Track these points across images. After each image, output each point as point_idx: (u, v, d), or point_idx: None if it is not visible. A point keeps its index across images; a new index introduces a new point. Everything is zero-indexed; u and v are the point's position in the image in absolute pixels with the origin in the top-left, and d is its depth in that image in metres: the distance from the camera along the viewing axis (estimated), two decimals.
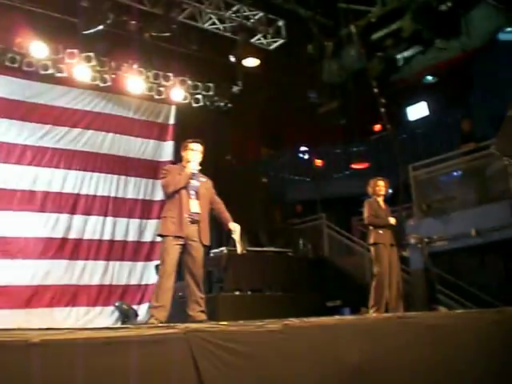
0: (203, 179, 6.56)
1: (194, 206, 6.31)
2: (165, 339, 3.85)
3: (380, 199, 8.00)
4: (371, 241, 7.86)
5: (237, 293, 9.59)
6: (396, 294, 7.69)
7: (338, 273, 11.59)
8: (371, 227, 7.90)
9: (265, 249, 10.89)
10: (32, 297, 10.18)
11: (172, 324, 4.09)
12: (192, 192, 6.34)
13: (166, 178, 6.38)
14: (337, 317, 6.35)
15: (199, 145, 6.54)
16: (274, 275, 10.35)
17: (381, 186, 7.99)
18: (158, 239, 11.31)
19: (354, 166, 14.97)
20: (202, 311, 6.33)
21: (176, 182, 6.29)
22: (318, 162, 15.43)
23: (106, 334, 3.57)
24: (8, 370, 3.09)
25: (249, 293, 9.78)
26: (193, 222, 6.25)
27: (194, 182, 6.37)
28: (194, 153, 6.45)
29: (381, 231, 7.80)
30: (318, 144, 15.57)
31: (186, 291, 6.46)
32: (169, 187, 6.32)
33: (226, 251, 9.82)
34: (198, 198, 6.37)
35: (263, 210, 12.84)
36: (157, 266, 6.45)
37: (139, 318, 10.74)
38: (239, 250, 6.78)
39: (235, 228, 6.56)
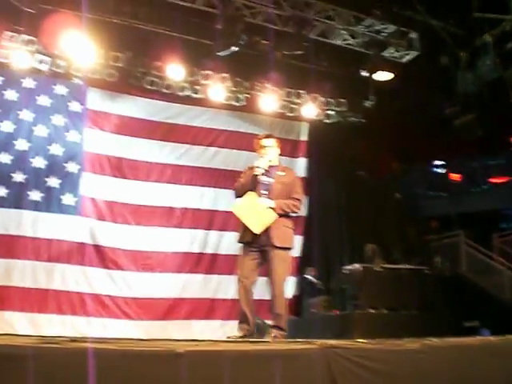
0: (281, 173, 5.95)
1: None
2: (303, 354, 3.87)
3: None
4: None
5: (371, 311, 9.41)
6: None
7: (477, 292, 11.07)
8: None
9: (400, 266, 10.63)
10: (170, 309, 10.60)
11: (310, 340, 4.10)
12: (263, 191, 5.79)
13: (236, 183, 5.96)
14: (478, 337, 6.10)
15: (270, 139, 6.04)
16: (410, 293, 10.05)
17: None
18: (294, 255, 11.50)
19: (493, 180, 14.33)
20: (276, 327, 5.85)
21: (241, 184, 5.86)
22: (455, 176, 14.89)
23: (247, 346, 3.65)
24: (156, 379, 3.24)
25: (384, 311, 9.57)
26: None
27: (265, 180, 5.82)
28: (265, 149, 5.95)
29: None
30: (453, 157, 15.05)
31: None
32: (236, 192, 5.91)
33: (360, 268, 9.69)
34: (271, 196, 5.78)
35: (397, 226, 12.58)
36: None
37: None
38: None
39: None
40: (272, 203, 5.68)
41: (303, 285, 11.08)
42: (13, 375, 3.18)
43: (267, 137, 6.10)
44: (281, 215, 5.73)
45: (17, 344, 3.25)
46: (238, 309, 5.80)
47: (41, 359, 3.20)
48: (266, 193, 5.80)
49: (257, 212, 5.68)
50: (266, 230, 5.66)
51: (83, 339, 3.26)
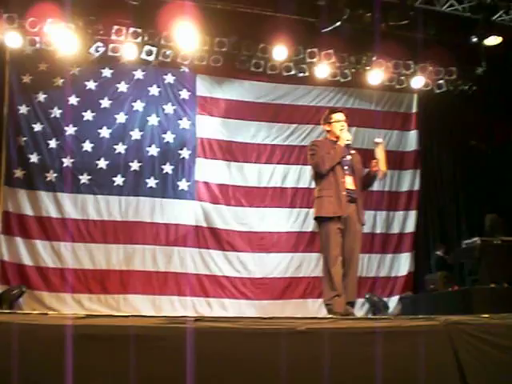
0: (353, 151, 6.17)
1: (350, 182, 5.95)
2: (426, 331, 3.82)
3: None
4: None
5: (492, 285, 9.08)
6: None
7: None
8: None
9: None
10: (286, 288, 10.72)
11: (432, 316, 4.04)
12: (346, 167, 5.96)
13: (319, 155, 5.98)
14: None
15: (343, 114, 6.20)
16: None
17: None
18: (407, 230, 11.30)
19: None
20: (351, 303, 5.90)
21: (331, 157, 5.90)
22: None
23: (369, 323, 3.64)
24: (278, 357, 3.29)
25: (505, 285, 9.22)
26: (351, 200, 5.88)
27: (346, 156, 6.02)
28: (341, 123, 6.11)
29: None
30: None
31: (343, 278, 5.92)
32: (325, 164, 5.91)
33: (479, 241, 9.37)
34: (352, 174, 5.99)
35: None
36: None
37: (389, 311, 10.73)
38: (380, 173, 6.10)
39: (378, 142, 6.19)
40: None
41: (435, 261, 10.88)
42: (140, 354, 3.32)
43: (340, 111, 6.32)
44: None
45: (144, 325, 3.39)
46: (333, 286, 5.78)
47: (167, 339, 3.33)
48: (347, 169, 6.00)
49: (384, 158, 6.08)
50: (354, 203, 5.91)
51: (207, 318, 3.36)
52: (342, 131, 6.07)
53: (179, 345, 3.26)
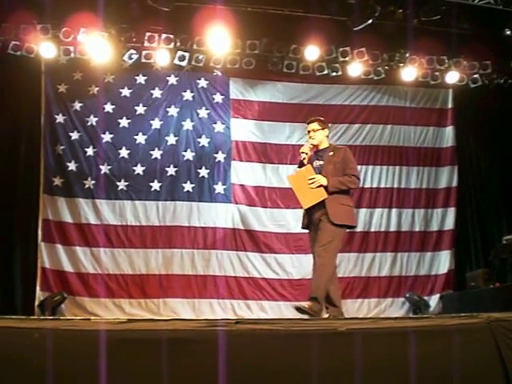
0: (331, 153, 6.40)
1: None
2: (467, 329, 3.78)
3: None
4: None
5: None
6: None
7: None
8: None
9: None
10: None
11: (475, 314, 3.99)
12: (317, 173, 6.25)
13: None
14: None
15: (312, 124, 6.49)
16: None
17: None
18: (446, 227, 11.19)
19: None
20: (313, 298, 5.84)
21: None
22: None
23: (409, 323, 3.62)
24: (319, 357, 3.29)
25: None
26: (319, 204, 6.14)
27: (317, 163, 6.36)
28: (309, 133, 6.47)
29: None
30: None
31: None
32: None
33: None
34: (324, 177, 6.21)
35: None
36: None
37: (430, 309, 10.61)
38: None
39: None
40: (324, 181, 6.13)
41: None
42: (183, 358, 3.35)
43: (309, 122, 6.56)
44: (336, 193, 6.16)
45: (185, 328, 3.41)
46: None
47: (208, 342, 3.34)
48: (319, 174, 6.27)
49: (310, 188, 6.10)
50: (323, 208, 6.12)
51: (247, 321, 3.37)
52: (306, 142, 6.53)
53: (221, 348, 3.28)
